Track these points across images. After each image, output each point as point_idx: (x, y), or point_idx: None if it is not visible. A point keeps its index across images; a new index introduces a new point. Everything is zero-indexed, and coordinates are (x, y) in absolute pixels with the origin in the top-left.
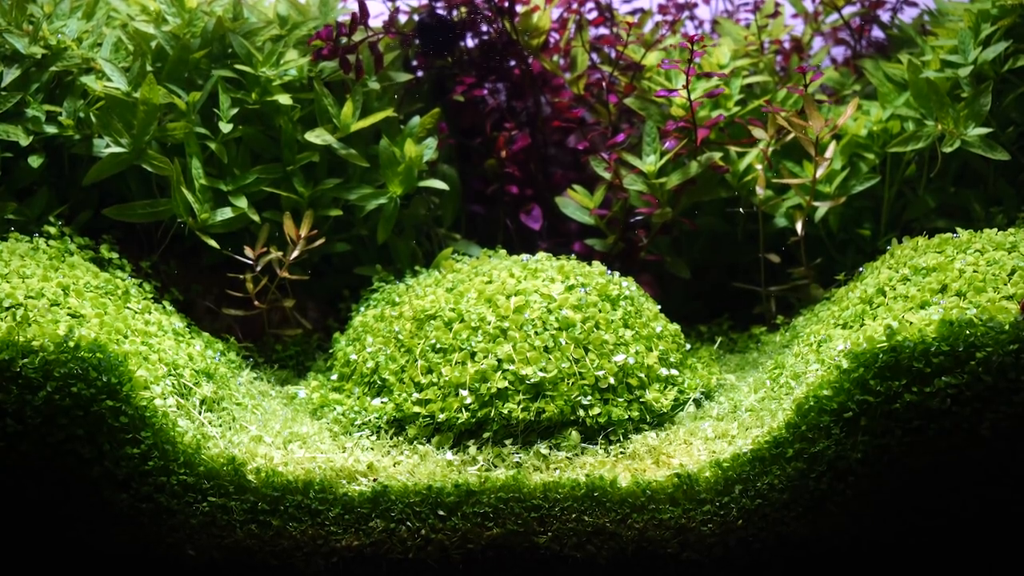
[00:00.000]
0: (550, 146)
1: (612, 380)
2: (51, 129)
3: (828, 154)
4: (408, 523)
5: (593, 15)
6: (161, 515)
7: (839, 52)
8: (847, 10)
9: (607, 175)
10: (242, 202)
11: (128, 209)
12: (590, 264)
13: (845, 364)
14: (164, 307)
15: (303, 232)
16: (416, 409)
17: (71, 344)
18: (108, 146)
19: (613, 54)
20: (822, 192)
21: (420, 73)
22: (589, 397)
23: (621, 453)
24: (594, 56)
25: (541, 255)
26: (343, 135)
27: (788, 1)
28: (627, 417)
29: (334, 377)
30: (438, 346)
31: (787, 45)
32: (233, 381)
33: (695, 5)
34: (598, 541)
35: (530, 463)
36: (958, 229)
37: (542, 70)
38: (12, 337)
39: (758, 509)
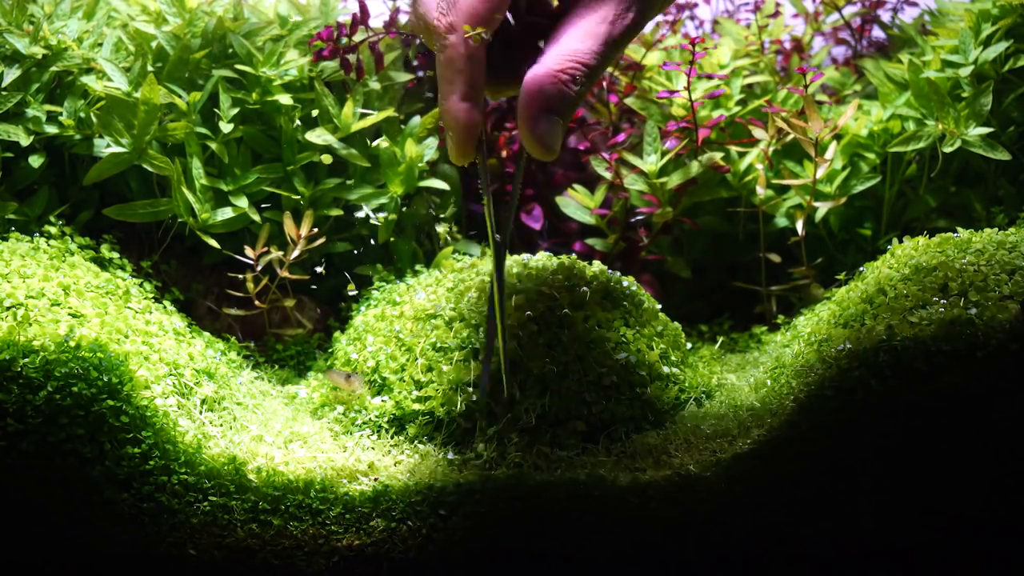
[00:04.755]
0: None
1: (615, 378)
2: (52, 129)
3: (828, 155)
4: (409, 522)
5: None
6: (162, 514)
7: (840, 52)
8: (848, 10)
9: (608, 175)
10: (243, 202)
11: (129, 209)
12: (591, 263)
13: (845, 364)
14: (165, 307)
15: (303, 232)
16: (416, 407)
17: (72, 344)
18: (109, 146)
19: None
20: (823, 192)
21: (421, 73)
22: (591, 394)
23: (622, 452)
24: None
25: (542, 254)
26: (344, 135)
27: (789, 1)
28: (629, 415)
29: None
30: (439, 345)
31: (788, 45)
32: (234, 381)
33: (695, 5)
34: (599, 540)
35: (531, 462)
36: (959, 229)
37: None
38: (13, 337)
39: (759, 509)
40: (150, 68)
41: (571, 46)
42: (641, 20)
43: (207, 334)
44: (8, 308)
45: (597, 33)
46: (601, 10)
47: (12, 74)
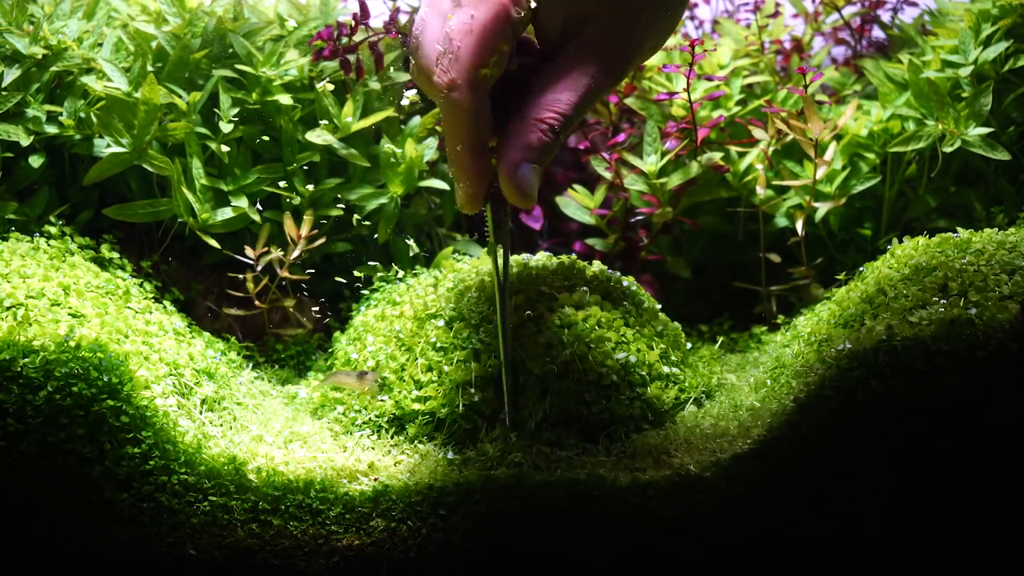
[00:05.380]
0: None
1: (615, 377)
2: (52, 129)
3: (828, 155)
4: (409, 522)
5: None
6: (162, 514)
7: (839, 52)
8: (847, 10)
9: (608, 175)
10: (243, 202)
11: (129, 209)
12: (591, 263)
13: (845, 364)
14: (165, 307)
15: (303, 232)
16: (416, 407)
17: (72, 344)
18: (109, 146)
19: None
20: (823, 192)
21: None
22: (591, 394)
23: (622, 452)
24: None
25: (542, 254)
26: (344, 135)
27: (789, 1)
28: (629, 415)
29: None
30: (439, 345)
31: (787, 45)
32: (234, 381)
33: (695, 5)
34: (599, 540)
35: (531, 462)
36: (959, 229)
37: None
38: (13, 337)
39: (759, 509)
40: (150, 68)
41: (552, 95)
42: (620, 78)
43: (207, 334)
44: (8, 308)
45: (577, 86)
46: (584, 64)
47: (12, 74)
